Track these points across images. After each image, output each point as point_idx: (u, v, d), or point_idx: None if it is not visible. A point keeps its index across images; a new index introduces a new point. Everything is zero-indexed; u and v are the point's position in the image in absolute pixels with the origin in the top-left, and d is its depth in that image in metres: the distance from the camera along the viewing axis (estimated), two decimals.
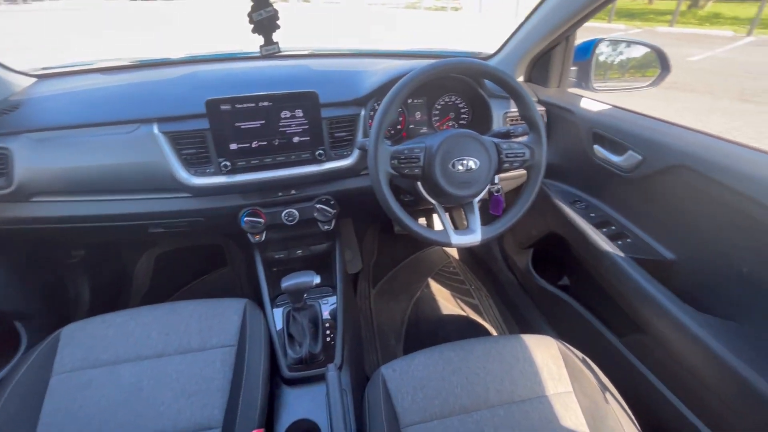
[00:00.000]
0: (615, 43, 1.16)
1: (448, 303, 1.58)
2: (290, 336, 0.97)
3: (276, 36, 0.82)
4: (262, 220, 0.98)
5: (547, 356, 0.78)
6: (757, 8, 9.29)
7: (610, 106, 1.02)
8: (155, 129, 0.88)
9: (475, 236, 0.82)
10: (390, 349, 1.40)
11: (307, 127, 0.91)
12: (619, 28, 10.74)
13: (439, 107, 1.16)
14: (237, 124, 0.86)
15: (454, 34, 10.56)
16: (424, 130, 1.17)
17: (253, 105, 0.86)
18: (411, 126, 1.16)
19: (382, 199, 0.78)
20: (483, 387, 0.73)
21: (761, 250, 0.68)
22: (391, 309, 1.57)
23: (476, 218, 0.84)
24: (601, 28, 10.30)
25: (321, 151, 0.94)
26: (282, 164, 0.94)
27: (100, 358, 0.77)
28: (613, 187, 1.01)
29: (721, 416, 0.70)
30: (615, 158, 0.95)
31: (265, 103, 0.87)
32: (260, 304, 1.03)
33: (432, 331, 1.46)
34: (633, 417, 0.72)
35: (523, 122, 1.05)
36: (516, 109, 1.08)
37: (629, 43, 1.16)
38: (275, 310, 1.05)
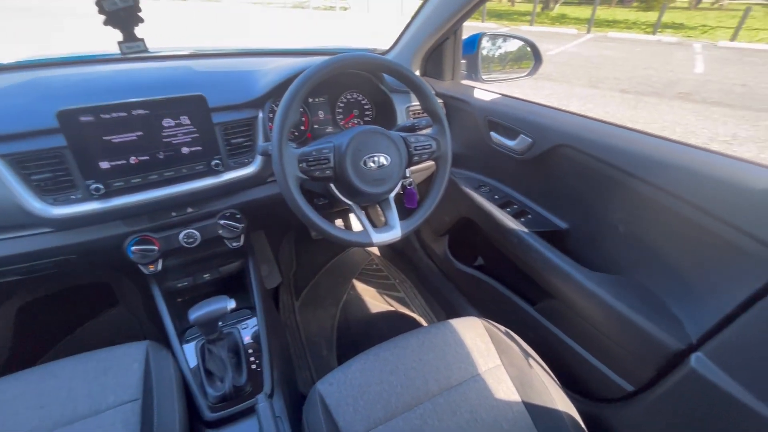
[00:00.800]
0: (494, 37, 1.26)
1: (375, 301, 1.58)
2: (208, 372, 0.86)
3: (141, 33, 0.69)
4: (155, 247, 0.84)
5: (475, 336, 0.81)
6: (591, 10, 11.28)
7: (500, 95, 1.11)
8: None
9: (395, 232, 0.81)
10: (323, 360, 1.34)
11: (197, 135, 0.80)
12: (492, 27, 12.03)
13: (341, 105, 1.13)
14: (106, 138, 0.72)
15: (345, 33, 10.64)
16: (330, 129, 1.13)
17: (124, 114, 0.72)
18: (315, 126, 1.11)
19: (295, 206, 0.72)
20: (422, 380, 0.73)
21: (630, 210, 0.80)
22: (319, 318, 1.50)
23: (394, 214, 0.84)
24: (477, 27, 11.40)
25: (217, 161, 0.84)
26: (172, 180, 0.81)
27: None
28: (511, 169, 1.10)
29: (617, 356, 0.82)
30: (509, 142, 1.03)
31: (140, 111, 0.73)
32: (167, 344, 0.89)
33: (364, 332, 1.44)
34: (553, 375, 0.80)
35: (425, 115, 1.08)
36: (417, 103, 1.11)
37: (505, 37, 1.28)
38: (186, 346, 0.92)
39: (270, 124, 0.94)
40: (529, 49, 1.23)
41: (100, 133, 0.71)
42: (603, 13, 14.58)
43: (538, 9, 14.07)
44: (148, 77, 0.91)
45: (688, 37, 10.04)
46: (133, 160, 0.75)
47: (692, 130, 4.22)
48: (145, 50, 0.70)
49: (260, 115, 0.91)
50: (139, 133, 0.74)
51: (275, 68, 0.98)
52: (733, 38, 9.30)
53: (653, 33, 10.42)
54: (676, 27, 11.38)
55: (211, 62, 1.07)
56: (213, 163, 0.84)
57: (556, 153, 0.92)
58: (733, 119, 4.49)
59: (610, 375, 0.83)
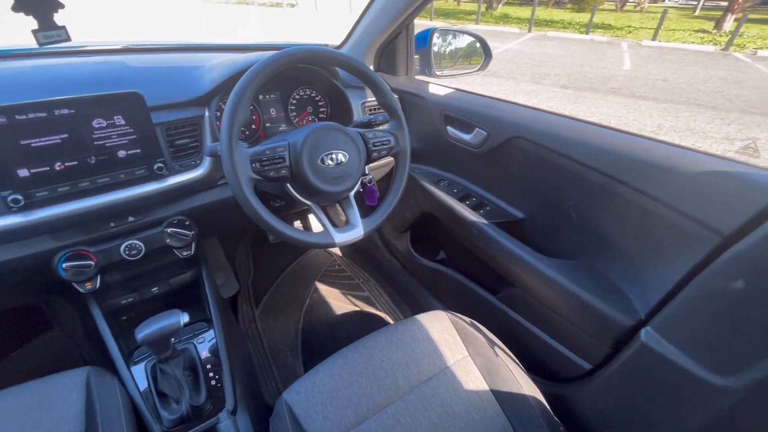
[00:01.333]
0: (445, 33, 1.28)
1: (340, 302, 1.55)
2: (161, 394, 0.79)
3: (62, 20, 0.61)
4: (91, 263, 0.76)
5: (441, 329, 0.82)
6: (531, 10, 11.91)
7: (454, 90, 1.13)
8: None
9: (357, 231, 0.79)
10: (288, 368, 1.29)
11: (134, 136, 0.73)
12: (440, 25, 12.34)
13: (294, 102, 1.09)
14: (24, 142, 0.63)
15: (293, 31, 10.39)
16: (283, 127, 1.08)
17: (44, 115, 0.64)
18: (267, 125, 1.06)
19: (250, 209, 0.68)
20: (392, 379, 0.72)
21: (582, 197, 0.84)
22: (282, 325, 1.45)
23: (355, 212, 0.82)
24: (425, 25, 11.64)
25: (160, 164, 0.77)
26: (108, 187, 0.73)
27: None
28: (468, 162, 1.12)
29: (575, 337, 0.86)
30: (465, 136, 1.05)
31: (65, 111, 0.65)
32: (112, 368, 0.81)
33: (330, 336, 1.41)
34: (518, 361, 0.82)
35: (381, 110, 1.07)
36: (373, 98, 1.10)
37: (456, 33, 1.30)
38: (134, 368, 0.84)
39: (218, 123, 0.88)
40: (478, 45, 1.26)
41: (16, 136, 0.62)
42: (541, 13, 15.50)
43: (483, 8, 14.64)
44: (74, 73, 0.82)
45: (616, 36, 10.90)
46: (58, 166, 0.67)
47: (625, 122, 4.59)
48: (67, 39, 0.61)
49: (206, 113, 0.85)
50: (64, 136, 0.66)
51: (221, 63, 0.92)
52: (654, 38, 10.23)
53: (586, 33, 11.20)
54: (606, 27, 12.32)
55: (147, 57, 0.99)
56: (155, 166, 0.77)
57: (510, 145, 0.95)
58: (658, 111, 4.94)
59: (569, 355, 0.87)
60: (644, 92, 5.75)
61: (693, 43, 9.92)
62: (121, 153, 0.72)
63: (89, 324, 0.89)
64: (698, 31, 11.86)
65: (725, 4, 12.17)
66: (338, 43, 1.22)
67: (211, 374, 0.86)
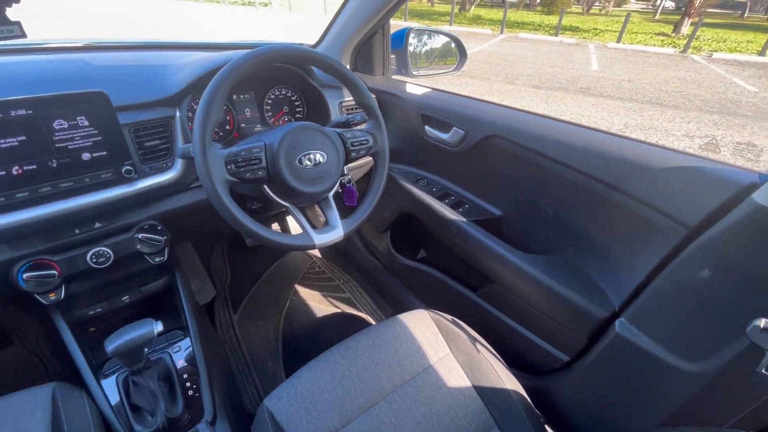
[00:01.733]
0: (420, 33, 1.29)
1: (320, 305, 1.53)
2: (135, 407, 0.76)
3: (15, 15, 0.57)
4: (55, 272, 0.72)
5: (423, 328, 0.82)
6: (502, 12, 12.18)
7: (431, 89, 1.13)
8: None
9: (337, 232, 0.78)
10: (269, 373, 1.27)
11: (98, 138, 0.69)
12: (416, 26, 12.45)
13: (270, 101, 1.07)
14: None
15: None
16: (259, 128, 1.06)
17: None
18: (242, 125, 1.03)
19: (225, 212, 0.66)
20: (375, 380, 0.72)
21: (557, 194, 0.86)
22: (261, 329, 1.42)
23: (335, 213, 0.81)
24: (400, 26, 11.70)
25: (129, 167, 0.73)
26: (71, 191, 0.69)
27: None
28: (446, 161, 1.13)
29: (553, 330, 0.88)
30: (443, 135, 1.06)
31: (22, 112, 0.61)
32: (80, 382, 0.77)
33: (311, 339, 1.39)
34: (499, 356, 0.84)
35: (359, 110, 1.07)
36: (350, 98, 1.09)
37: (431, 33, 1.31)
38: (105, 381, 0.80)
39: (190, 123, 0.85)
40: (453, 45, 1.27)
41: None
42: (512, 15, 15.92)
43: (456, 10, 14.86)
44: (32, 71, 0.77)
45: (584, 39, 11.30)
46: (15, 170, 0.63)
47: (594, 121, 4.77)
48: (21, 35, 0.58)
49: (177, 113, 0.81)
50: (22, 138, 0.62)
51: (192, 62, 0.89)
52: (618, 40, 10.67)
53: (555, 35, 11.56)
54: (574, 30, 12.77)
55: (112, 56, 0.94)
56: (123, 169, 0.73)
57: (487, 144, 0.96)
58: (624, 110, 5.16)
59: (548, 348, 0.89)
60: (611, 92, 5.99)
61: (654, 45, 10.41)
62: (86, 156, 0.69)
63: (54, 337, 0.85)
64: (659, 34, 12.47)
65: (683, 8, 12.84)
66: (313, 42, 1.20)
67: (188, 384, 0.83)
